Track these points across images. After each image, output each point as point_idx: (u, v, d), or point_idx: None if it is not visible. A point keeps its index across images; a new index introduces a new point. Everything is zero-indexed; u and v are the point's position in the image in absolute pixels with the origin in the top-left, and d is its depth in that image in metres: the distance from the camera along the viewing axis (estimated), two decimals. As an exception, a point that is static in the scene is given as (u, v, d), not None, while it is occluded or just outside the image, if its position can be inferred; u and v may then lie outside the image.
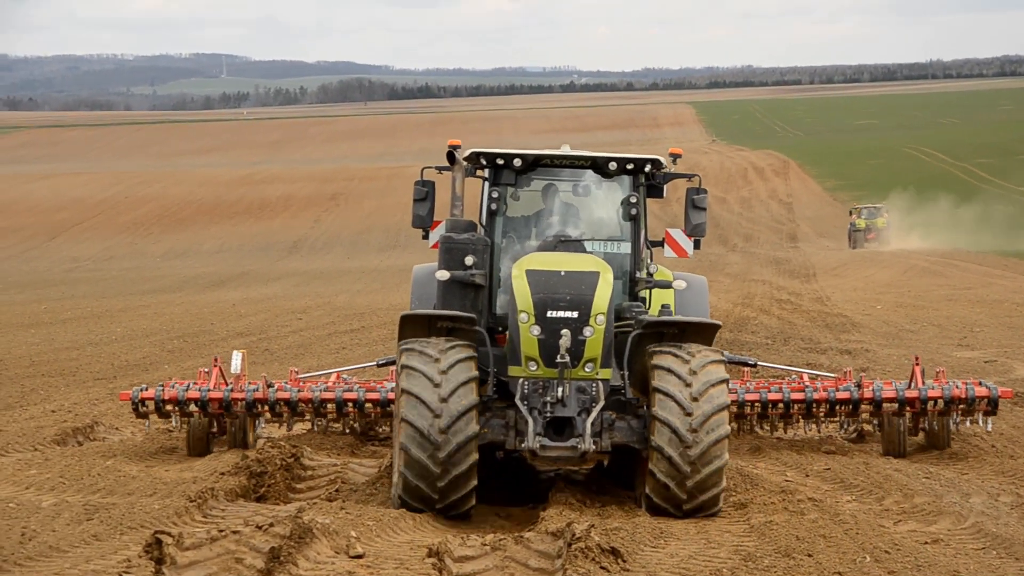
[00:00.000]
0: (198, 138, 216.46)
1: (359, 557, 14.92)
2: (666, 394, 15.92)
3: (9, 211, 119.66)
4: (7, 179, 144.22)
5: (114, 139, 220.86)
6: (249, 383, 21.73)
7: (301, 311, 49.35)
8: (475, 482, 16.08)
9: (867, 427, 21.99)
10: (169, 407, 21.39)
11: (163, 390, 21.38)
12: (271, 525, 15.31)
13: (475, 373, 16.15)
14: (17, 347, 38.06)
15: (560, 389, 16.28)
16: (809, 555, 14.63)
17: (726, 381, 16.22)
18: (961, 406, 20.84)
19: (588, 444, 16.18)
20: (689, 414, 15.81)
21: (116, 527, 16.57)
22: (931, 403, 20.87)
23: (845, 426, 22.15)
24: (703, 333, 16.80)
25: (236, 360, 22.05)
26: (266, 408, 21.56)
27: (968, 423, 21.12)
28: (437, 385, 15.86)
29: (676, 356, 16.20)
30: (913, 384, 21.05)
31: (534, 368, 16.47)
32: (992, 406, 20.81)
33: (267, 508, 17.40)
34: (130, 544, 15.46)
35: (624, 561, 14.33)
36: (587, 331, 16.37)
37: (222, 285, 69.54)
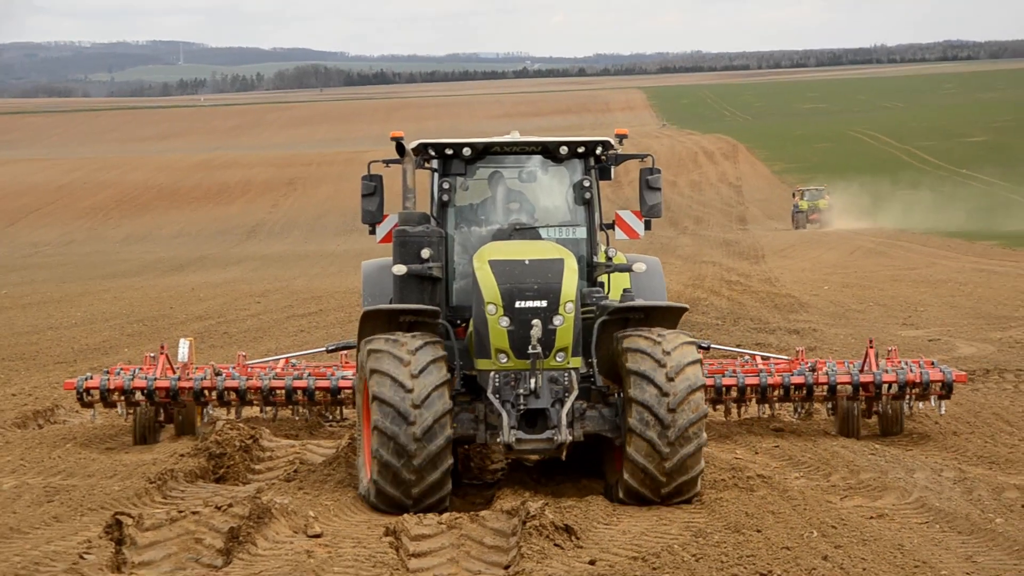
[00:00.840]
0: (156, 124, 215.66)
1: (317, 536, 14.92)
2: (642, 376, 15.41)
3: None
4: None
5: (72, 126, 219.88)
6: (196, 370, 21.28)
7: (259, 295, 49.27)
8: (449, 486, 15.66)
9: (817, 405, 21.66)
10: (115, 396, 20.77)
11: (108, 379, 20.76)
12: (230, 506, 15.29)
13: (447, 375, 15.61)
14: (-22, 332, 37.89)
15: (533, 380, 15.71)
16: (758, 531, 14.71)
17: (700, 361, 15.80)
18: (915, 390, 20.49)
19: (564, 435, 15.68)
20: (666, 395, 15.33)
21: (76, 509, 16.54)
22: (886, 387, 20.55)
23: (799, 410, 21.75)
24: (669, 316, 16.38)
25: (183, 348, 21.42)
26: (214, 396, 20.93)
27: (921, 405, 20.84)
28: (409, 391, 15.26)
29: (648, 339, 15.68)
30: (867, 367, 20.72)
31: (504, 360, 15.90)
32: (947, 390, 20.44)
33: (226, 489, 17.40)
34: (90, 525, 15.44)
35: (577, 538, 14.36)
36: (557, 320, 15.86)
37: (181, 269, 69.38)
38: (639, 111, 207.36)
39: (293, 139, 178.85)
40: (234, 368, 21.59)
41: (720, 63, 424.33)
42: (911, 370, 20.52)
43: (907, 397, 20.64)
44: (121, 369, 21.21)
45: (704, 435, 15.61)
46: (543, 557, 13.81)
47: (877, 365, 20.71)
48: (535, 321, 15.69)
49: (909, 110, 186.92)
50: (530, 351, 15.61)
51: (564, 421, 15.68)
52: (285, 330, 36.53)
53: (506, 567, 13.88)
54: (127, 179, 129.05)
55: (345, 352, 22.24)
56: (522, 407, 15.70)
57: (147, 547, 14.15)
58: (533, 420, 15.76)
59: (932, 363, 20.86)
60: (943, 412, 20.83)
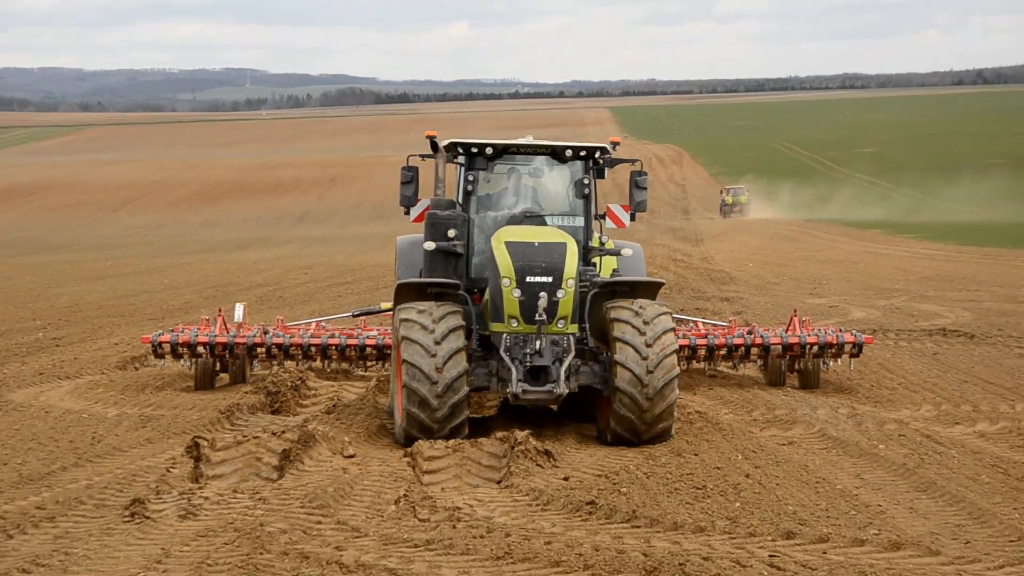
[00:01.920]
0: (228, 134, 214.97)
1: (351, 457, 14.95)
2: (625, 342, 15.21)
3: (82, 189, 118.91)
4: (81, 165, 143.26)
5: (163, 135, 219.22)
6: (247, 329, 20.86)
7: (307, 267, 49.21)
8: (468, 411, 15.42)
9: (748, 363, 21.15)
10: (182, 349, 20.35)
11: (177, 335, 20.34)
12: (283, 432, 15.32)
13: (462, 323, 15.41)
14: (89, 294, 37.91)
15: (538, 342, 15.45)
16: (696, 454, 14.78)
17: (674, 330, 15.55)
18: (832, 350, 20.21)
19: (562, 388, 15.40)
20: (645, 358, 15.10)
21: (164, 433, 16.59)
22: (808, 348, 20.17)
23: (736, 366, 21.12)
24: (649, 290, 16.16)
25: (239, 311, 21.25)
26: (263, 351, 20.53)
27: (834, 363, 20.48)
28: (431, 332, 15.11)
29: (631, 310, 15.48)
30: (792, 331, 20.36)
31: (515, 325, 15.63)
32: (858, 350, 20.23)
33: (280, 419, 17.42)
34: (175, 446, 15.49)
35: (554, 459, 14.40)
36: (560, 293, 15.60)
37: (246, 247, 69.26)
38: (606, 126, 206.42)
39: (334, 145, 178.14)
40: (275, 328, 21.16)
41: (670, 88, 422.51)
42: (828, 334, 20.28)
43: (824, 356, 20.30)
44: (184, 328, 20.72)
45: (677, 391, 15.39)
46: (527, 474, 13.86)
47: (800, 329, 20.36)
48: (542, 293, 15.45)
49: (816, 127, 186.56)
50: (537, 318, 15.39)
51: (563, 376, 15.43)
52: (327, 295, 36.48)
53: (498, 481, 13.91)
54: (205, 176, 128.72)
55: (366, 316, 21.99)
56: (528, 364, 15.46)
57: (219, 463, 14.18)
58: (537, 375, 15.51)
59: (840, 329, 20.70)
60: (852, 368, 20.64)
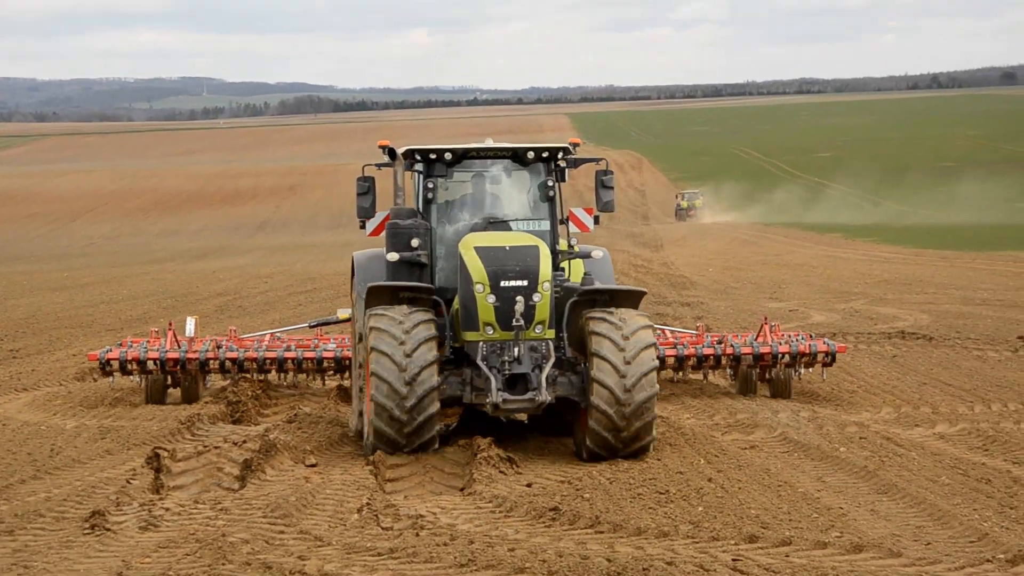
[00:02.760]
0: (185, 143, 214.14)
1: (313, 466, 14.94)
2: (603, 358, 14.52)
3: (39, 200, 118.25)
4: (37, 175, 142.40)
5: (120, 144, 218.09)
6: (199, 343, 20.12)
7: (267, 276, 49.06)
8: (439, 426, 14.80)
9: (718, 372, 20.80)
10: (132, 366, 19.70)
11: (126, 352, 19.70)
12: (244, 442, 15.28)
13: (435, 332, 14.73)
14: (46, 305, 37.69)
15: (516, 349, 14.80)
16: (658, 459, 14.83)
17: (654, 345, 14.87)
18: (805, 359, 19.76)
19: (544, 396, 14.70)
20: (623, 376, 14.44)
21: (124, 444, 16.50)
22: (780, 357, 19.70)
23: (706, 376, 20.76)
24: (631, 299, 15.52)
25: (190, 325, 20.33)
26: (216, 366, 19.91)
27: (805, 371, 20.11)
28: (402, 343, 14.42)
29: (610, 323, 14.77)
30: (762, 339, 19.89)
31: (491, 332, 14.94)
32: (831, 359, 19.82)
33: (242, 428, 17.35)
34: (135, 457, 15.41)
35: (517, 466, 14.43)
36: (536, 297, 14.93)
37: (205, 256, 69.01)
38: (565, 132, 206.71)
39: (292, 154, 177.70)
40: (227, 341, 20.43)
41: (628, 94, 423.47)
42: (800, 342, 19.84)
43: (797, 365, 19.88)
44: (132, 342, 20.15)
45: (655, 410, 14.78)
46: (490, 481, 13.88)
47: (772, 338, 19.90)
48: (518, 298, 14.85)
49: (774, 132, 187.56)
50: (514, 323, 14.79)
51: (544, 384, 14.78)
52: (287, 304, 36.40)
53: (461, 489, 13.92)
54: (163, 186, 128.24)
55: (323, 327, 21.32)
56: (507, 372, 14.79)
57: (179, 474, 14.12)
58: (515, 383, 14.84)
59: (811, 336, 20.26)
60: (824, 377, 20.31)
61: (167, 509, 12.81)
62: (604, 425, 14.59)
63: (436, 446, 14.82)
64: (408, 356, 14.45)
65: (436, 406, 14.61)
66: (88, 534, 11.91)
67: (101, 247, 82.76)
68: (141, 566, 10.84)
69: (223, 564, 10.74)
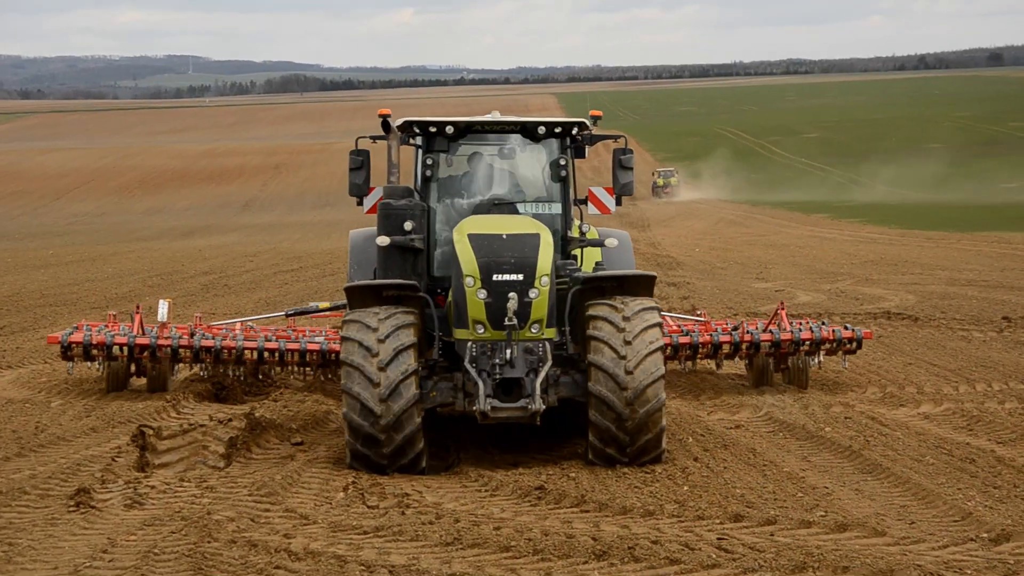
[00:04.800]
0: (171, 121, 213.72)
1: (299, 444, 14.93)
2: (601, 340, 13.11)
3: (23, 178, 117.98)
4: (21, 153, 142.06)
5: (105, 122, 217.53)
6: (176, 329, 18.69)
7: (252, 255, 48.98)
8: (422, 443, 13.16)
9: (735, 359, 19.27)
10: (95, 351, 18.11)
11: (91, 334, 18.07)
12: (230, 420, 15.28)
13: (414, 339, 13.10)
14: (31, 284, 37.58)
15: (508, 351, 13.18)
16: (644, 438, 14.78)
17: (660, 325, 13.37)
18: (826, 346, 18.51)
19: (538, 404, 13.06)
20: (623, 357, 12.99)
21: (109, 422, 16.48)
22: (800, 345, 18.38)
23: (719, 364, 19.31)
24: (642, 285, 13.90)
25: (163, 308, 18.64)
26: (190, 355, 18.25)
27: (818, 360, 18.85)
28: (376, 355, 12.89)
29: (609, 305, 13.38)
30: (780, 326, 18.60)
31: (481, 331, 13.30)
32: (856, 345, 18.64)
33: (227, 407, 17.32)
34: (120, 435, 15.39)
35: (504, 446, 14.39)
36: (532, 293, 13.28)
37: (190, 235, 68.86)
38: (552, 112, 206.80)
39: (278, 133, 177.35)
40: (193, 326, 18.89)
41: (615, 75, 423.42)
42: (824, 329, 18.58)
43: (819, 353, 18.57)
44: (89, 326, 18.60)
45: (662, 395, 13.22)
46: (477, 460, 13.89)
47: (791, 325, 18.63)
48: (511, 294, 13.22)
49: (760, 112, 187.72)
50: (506, 323, 13.18)
51: (538, 390, 13.13)
52: (273, 282, 36.34)
53: (447, 468, 13.92)
54: (147, 164, 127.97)
55: (299, 316, 19.90)
56: (498, 376, 13.16)
57: (164, 452, 14.12)
58: (508, 389, 13.21)
59: (822, 323, 18.83)
60: (846, 366, 19.31)
61: (152, 487, 12.80)
62: (604, 413, 13.16)
63: (423, 465, 13.29)
64: (382, 369, 12.92)
65: (417, 422, 13.01)
66: (73, 512, 11.90)
67: (86, 225, 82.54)
68: (126, 544, 10.83)
69: (208, 542, 10.74)
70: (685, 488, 12.69)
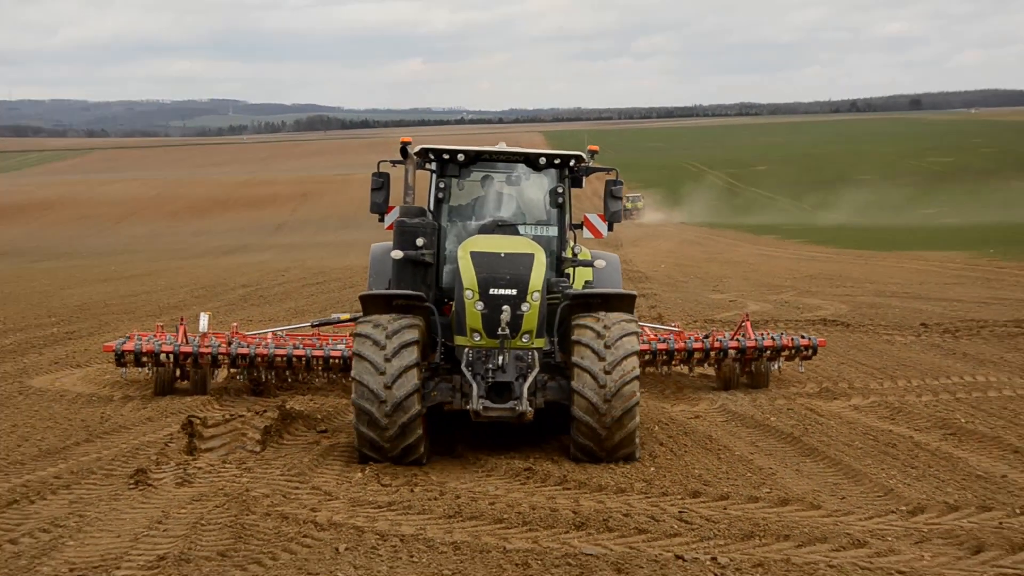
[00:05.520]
0: (214, 156, 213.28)
1: (323, 432, 14.95)
2: (583, 369, 12.66)
3: (89, 205, 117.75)
4: (87, 184, 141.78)
5: (158, 157, 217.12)
6: (215, 338, 18.32)
7: (283, 270, 48.93)
8: (421, 431, 12.70)
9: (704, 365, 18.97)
10: (145, 358, 17.77)
11: (141, 344, 17.75)
12: (265, 411, 15.30)
13: (417, 338, 12.64)
14: (96, 295, 37.54)
15: (501, 357, 12.85)
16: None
17: (637, 353, 12.88)
18: (786, 353, 18.29)
19: (525, 406, 12.68)
20: (603, 386, 12.58)
21: (163, 413, 16.50)
22: (763, 352, 18.18)
23: (692, 368, 18.96)
24: (623, 302, 13.42)
25: (203, 320, 18.60)
26: (227, 361, 17.86)
27: (778, 364, 18.69)
28: (383, 348, 12.52)
29: (593, 330, 12.90)
30: (744, 335, 18.40)
31: (478, 338, 12.99)
32: (812, 351, 18.39)
33: (262, 401, 17.34)
34: (172, 424, 15.40)
35: (497, 435, 14.41)
36: (524, 306, 12.94)
37: (231, 253, 68.77)
38: (539, 148, 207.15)
39: (306, 166, 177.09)
40: (229, 334, 18.51)
41: (594, 115, 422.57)
42: (784, 337, 18.42)
43: (779, 358, 18.39)
44: (139, 335, 18.29)
45: (637, 419, 12.82)
46: (475, 447, 13.91)
47: (754, 334, 18.46)
48: (505, 307, 12.87)
49: (717, 148, 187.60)
50: (499, 332, 12.86)
51: (525, 394, 12.74)
52: (301, 294, 36.30)
53: (450, 453, 13.95)
54: (194, 193, 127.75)
55: (324, 326, 19.15)
56: (490, 379, 12.80)
57: (209, 438, 14.14)
58: (500, 391, 12.85)
59: (782, 332, 18.71)
60: (802, 370, 19.08)
61: (199, 468, 12.84)
62: (585, 435, 12.78)
63: (423, 450, 12.85)
64: (388, 360, 12.52)
65: (416, 408, 12.55)
66: (133, 489, 11.94)
67: (142, 245, 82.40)
68: (177, 516, 10.88)
69: (247, 515, 10.78)
70: (652, 469, 12.74)
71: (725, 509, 11.06)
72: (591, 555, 9.55)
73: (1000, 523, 10.57)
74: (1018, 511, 10.94)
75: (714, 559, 9.47)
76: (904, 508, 11.10)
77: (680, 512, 10.84)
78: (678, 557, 9.51)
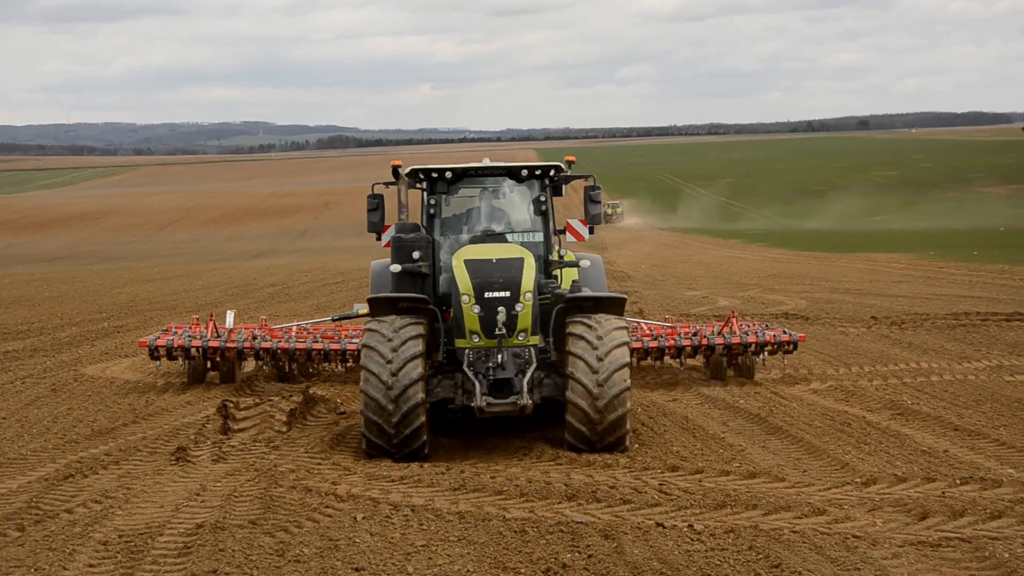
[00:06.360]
0: (246, 171, 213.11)
1: (343, 414, 14.90)
2: (577, 356, 12.21)
3: (136, 214, 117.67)
4: (134, 196, 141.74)
5: (196, 172, 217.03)
6: (242, 331, 17.84)
7: (307, 271, 48.87)
8: (423, 419, 12.10)
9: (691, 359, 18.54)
10: (177, 352, 17.44)
11: (173, 339, 17.43)
12: (291, 396, 15.25)
13: (422, 332, 12.27)
14: (142, 293, 37.48)
15: (499, 356, 12.38)
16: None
17: (627, 344, 12.40)
18: (769, 347, 17.54)
19: (526, 399, 12.20)
20: (596, 372, 12.11)
21: (200, 397, 16.46)
22: (748, 347, 17.43)
23: (683, 362, 18.48)
24: (615, 305, 12.97)
25: (230, 317, 18.17)
26: (252, 354, 17.43)
27: (762, 357, 17.97)
28: (390, 340, 12.10)
29: (586, 324, 12.48)
30: (730, 330, 17.66)
31: (477, 340, 12.50)
32: (793, 347, 17.61)
33: (289, 386, 17.30)
34: (208, 407, 15.37)
35: (498, 421, 14.32)
36: (518, 307, 12.49)
37: (260, 256, 68.70)
38: (534, 161, 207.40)
39: (327, 179, 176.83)
40: (260, 330, 17.98)
41: (581, 134, 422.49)
42: (767, 333, 17.66)
43: (763, 352, 17.60)
44: (176, 329, 18.00)
45: (628, 404, 12.28)
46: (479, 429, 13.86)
47: (740, 330, 17.71)
48: (500, 308, 12.41)
49: (690, 163, 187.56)
50: (496, 332, 12.39)
51: (525, 388, 12.27)
52: (323, 292, 36.23)
53: (457, 435, 13.89)
54: (228, 203, 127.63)
55: (345, 320, 18.35)
56: (491, 377, 12.33)
57: (242, 420, 14.09)
58: (500, 388, 12.36)
59: (766, 327, 18.10)
60: (785, 363, 18.56)
61: (233, 446, 12.79)
62: (580, 419, 12.25)
63: (424, 440, 12.24)
64: (395, 351, 12.06)
65: (420, 396, 12.02)
66: (174, 464, 11.90)
67: (182, 249, 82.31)
68: (214, 488, 10.83)
69: (275, 487, 10.73)
70: (635, 446, 12.68)
71: (700, 482, 11.01)
72: (581, 523, 9.52)
73: (943, 492, 10.52)
74: (959, 482, 10.88)
75: (691, 526, 9.42)
76: (858, 480, 11.05)
77: (660, 484, 10.79)
78: (659, 524, 9.47)
